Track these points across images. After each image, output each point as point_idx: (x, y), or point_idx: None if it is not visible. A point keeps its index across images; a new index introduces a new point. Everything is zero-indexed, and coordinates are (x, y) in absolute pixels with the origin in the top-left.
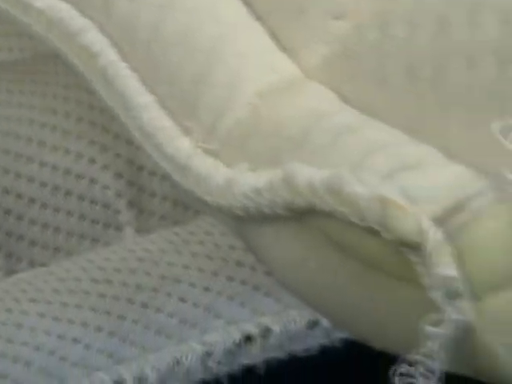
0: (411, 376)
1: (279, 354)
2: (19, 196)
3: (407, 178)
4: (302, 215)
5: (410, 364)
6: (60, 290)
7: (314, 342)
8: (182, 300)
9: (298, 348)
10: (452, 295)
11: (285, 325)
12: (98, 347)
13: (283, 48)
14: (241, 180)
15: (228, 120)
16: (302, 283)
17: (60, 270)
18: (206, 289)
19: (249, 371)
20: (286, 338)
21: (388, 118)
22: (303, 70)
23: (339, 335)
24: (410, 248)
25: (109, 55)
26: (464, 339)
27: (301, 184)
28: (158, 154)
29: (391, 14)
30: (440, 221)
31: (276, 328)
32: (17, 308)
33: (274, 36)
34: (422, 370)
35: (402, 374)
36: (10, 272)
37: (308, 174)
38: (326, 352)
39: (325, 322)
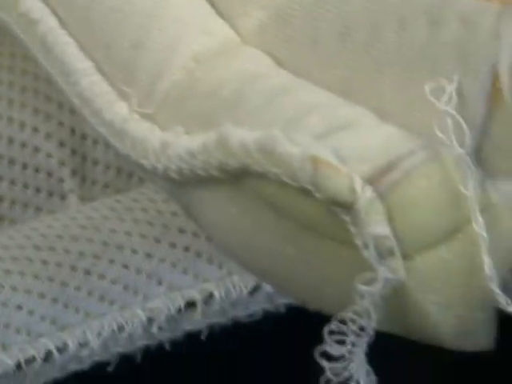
0: (344, 334)
1: (222, 320)
2: None
3: (340, 138)
4: (237, 177)
5: (343, 322)
6: (3, 258)
7: (257, 307)
8: (125, 267)
9: (241, 314)
10: (383, 254)
11: (227, 291)
12: (42, 314)
13: (221, 14)
14: (176, 143)
15: (164, 84)
16: (238, 245)
17: (3, 238)
18: (149, 255)
19: (192, 337)
20: (229, 303)
21: (322, 81)
22: (240, 35)
23: (282, 301)
24: (342, 208)
25: (48, 22)
26: (395, 298)
27: (234, 145)
28: (97, 119)
29: None
30: (371, 180)
31: (218, 294)
32: None
33: (213, 3)
34: (353, 327)
35: (334, 332)
36: None
37: (241, 135)
38: (269, 317)
39: (267, 288)
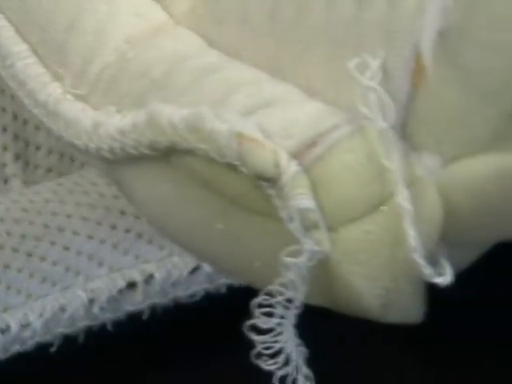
0: (272, 306)
1: (163, 300)
2: None
3: (265, 114)
4: (167, 154)
5: (271, 295)
6: None
7: (198, 287)
8: (66, 248)
9: (182, 294)
10: (308, 227)
11: (168, 271)
12: None
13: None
14: (107, 122)
15: (97, 65)
16: (171, 222)
17: None
18: (90, 237)
19: (133, 317)
20: (169, 284)
21: (252, 60)
22: (173, 17)
23: (223, 281)
24: (267, 182)
25: None
26: (321, 270)
27: (163, 123)
28: (31, 100)
29: None
30: (296, 155)
31: (159, 274)
32: None
33: None
34: (280, 300)
35: (262, 306)
36: None
37: (169, 113)
38: (210, 297)
39: (207, 268)
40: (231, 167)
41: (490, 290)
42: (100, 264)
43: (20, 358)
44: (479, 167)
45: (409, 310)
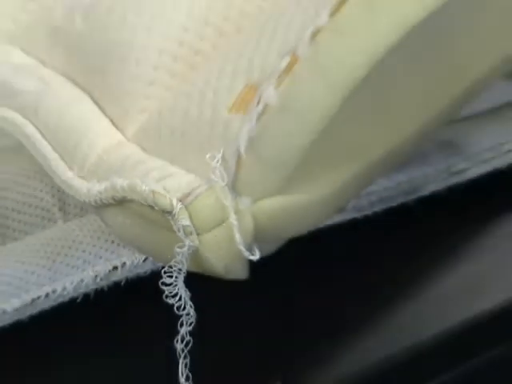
0: (171, 272)
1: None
2: None
3: (166, 180)
4: (121, 202)
5: (171, 267)
6: None
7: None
8: None
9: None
10: (187, 233)
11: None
12: None
13: (116, 127)
14: (93, 188)
15: (89, 163)
16: (129, 237)
17: None
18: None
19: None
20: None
21: (162, 156)
22: (126, 137)
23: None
24: (168, 213)
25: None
26: (195, 255)
27: (119, 187)
28: (56, 178)
29: None
30: (181, 200)
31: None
32: None
33: (114, 123)
34: (176, 269)
35: (166, 272)
36: None
37: (121, 182)
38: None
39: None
40: (150, 206)
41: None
42: None
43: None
44: (272, 203)
45: (240, 272)
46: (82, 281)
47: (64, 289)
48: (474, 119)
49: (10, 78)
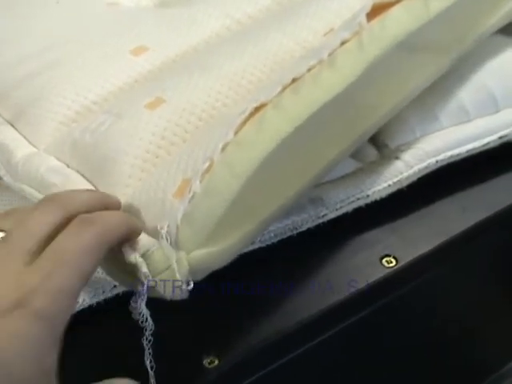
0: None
1: None
2: None
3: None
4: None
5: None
6: None
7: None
8: None
9: None
10: (146, 276)
11: None
12: None
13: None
14: None
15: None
16: (115, 276)
17: None
18: None
19: None
20: None
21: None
22: (43, 150)
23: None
24: (134, 266)
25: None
26: (152, 289)
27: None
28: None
29: None
30: (143, 257)
31: None
32: None
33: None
34: (139, 298)
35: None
36: None
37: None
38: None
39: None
40: (129, 264)
41: None
42: None
43: None
44: (200, 253)
45: (180, 296)
46: None
47: None
48: (332, 181)
49: (43, 173)
